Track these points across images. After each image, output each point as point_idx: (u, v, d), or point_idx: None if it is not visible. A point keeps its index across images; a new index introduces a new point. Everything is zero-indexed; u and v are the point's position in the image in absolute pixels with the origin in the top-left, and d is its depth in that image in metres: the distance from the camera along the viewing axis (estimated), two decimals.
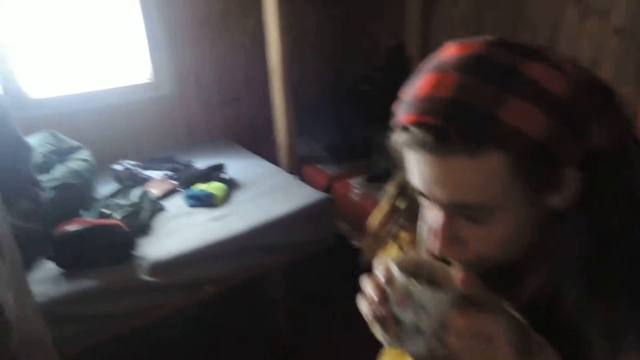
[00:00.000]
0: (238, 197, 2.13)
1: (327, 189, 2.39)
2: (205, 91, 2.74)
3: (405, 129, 0.53)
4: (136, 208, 1.91)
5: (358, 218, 2.23)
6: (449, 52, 0.54)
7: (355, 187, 2.20)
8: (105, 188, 2.20)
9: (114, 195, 2.02)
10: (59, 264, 1.64)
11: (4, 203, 1.57)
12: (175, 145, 2.68)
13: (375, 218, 0.79)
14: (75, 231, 1.65)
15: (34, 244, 1.61)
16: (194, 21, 2.58)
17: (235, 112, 2.90)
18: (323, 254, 2.17)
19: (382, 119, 2.84)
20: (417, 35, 2.91)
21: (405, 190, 0.72)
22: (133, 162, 2.32)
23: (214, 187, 2.10)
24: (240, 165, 2.42)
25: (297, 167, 2.54)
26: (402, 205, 0.74)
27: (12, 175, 1.64)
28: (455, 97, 0.49)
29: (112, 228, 1.68)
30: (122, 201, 1.95)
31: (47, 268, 1.64)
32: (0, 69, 2.15)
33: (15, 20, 2.17)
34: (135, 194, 1.99)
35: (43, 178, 1.94)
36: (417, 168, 0.55)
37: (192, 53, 2.62)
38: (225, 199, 2.09)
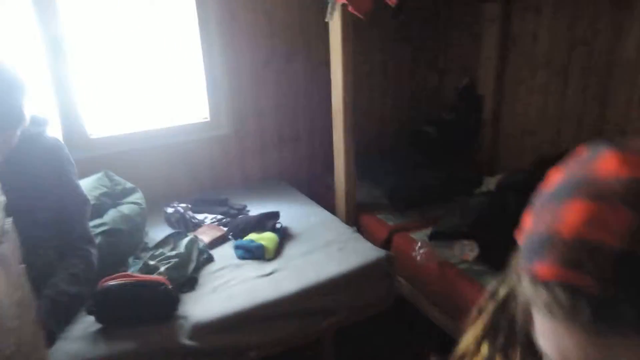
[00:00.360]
0: (290, 250, 1.97)
1: (387, 242, 2.19)
2: (264, 131, 2.65)
3: (541, 282, 0.35)
4: (183, 259, 1.80)
5: (421, 279, 2.00)
6: (607, 167, 0.35)
7: (419, 244, 1.98)
8: (156, 231, 2.14)
9: (162, 243, 1.93)
10: (98, 319, 1.55)
11: (56, 260, 1.51)
12: (230, 186, 2.59)
13: (468, 339, 0.59)
14: (117, 287, 1.56)
15: (77, 309, 1.53)
16: (257, 62, 2.51)
17: (292, 153, 2.78)
18: (380, 317, 1.96)
19: (450, 164, 2.63)
20: (492, 73, 2.68)
21: (509, 306, 0.52)
22: (184, 205, 2.24)
23: (265, 238, 1.96)
24: (294, 212, 2.28)
25: (355, 216, 2.36)
26: (503, 324, 0.54)
27: (67, 232, 1.56)
28: (627, 248, 0.31)
29: (155, 286, 1.57)
30: (169, 251, 1.85)
31: (87, 322, 1.55)
32: (62, 108, 2.16)
33: (77, 61, 2.18)
34: (183, 243, 1.89)
35: (95, 222, 1.90)
36: (554, 339, 0.37)
37: (252, 93, 2.55)
38: (276, 252, 1.94)
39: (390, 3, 1.81)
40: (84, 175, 2.08)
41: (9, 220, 0.85)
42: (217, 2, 2.32)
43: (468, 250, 1.92)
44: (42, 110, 1.69)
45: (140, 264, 1.78)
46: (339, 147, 2.31)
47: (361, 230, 2.27)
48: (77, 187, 1.63)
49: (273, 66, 2.56)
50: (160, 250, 1.85)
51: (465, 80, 2.85)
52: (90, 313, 1.56)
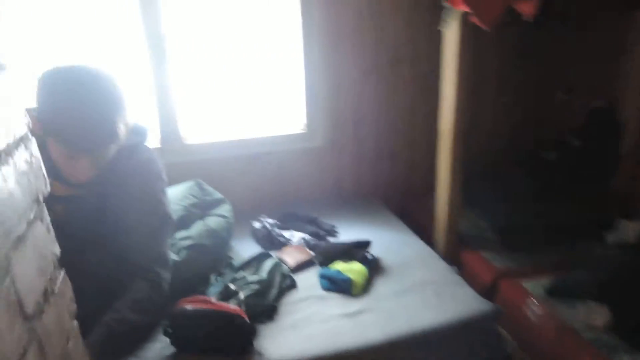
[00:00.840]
0: (380, 287, 1.76)
1: (492, 287, 1.90)
2: (361, 145, 2.46)
3: None
4: (265, 286, 1.68)
5: (531, 342, 1.69)
6: None
7: (533, 299, 1.67)
8: (242, 245, 2.06)
9: (245, 266, 1.82)
10: (172, 342, 1.47)
11: (125, 281, 1.44)
12: (321, 201, 2.44)
13: None
14: (193, 312, 1.47)
15: (136, 338, 1.44)
16: (358, 71, 2.33)
17: (390, 170, 2.56)
18: None
19: (573, 199, 2.21)
20: (637, 96, 2.24)
21: None
22: (272, 221, 2.13)
23: (354, 271, 1.77)
24: (386, 240, 2.06)
25: (456, 251, 2.09)
26: None
27: (140, 251, 1.47)
28: None
29: (231, 318, 1.45)
30: (251, 275, 1.74)
31: (164, 342, 1.48)
32: (162, 112, 2.15)
33: (178, 64, 2.15)
34: (266, 267, 1.77)
35: (180, 234, 1.84)
36: None
37: (351, 103, 2.37)
38: (364, 288, 1.75)
39: (525, 13, 1.52)
40: (176, 179, 2.05)
41: (61, 274, 0.73)
42: (322, 6, 2.17)
43: (597, 316, 1.58)
44: (143, 119, 1.66)
45: (221, 285, 1.69)
46: (442, 172, 2.06)
47: (462, 268, 2.00)
48: (161, 204, 1.55)
49: (376, 75, 2.36)
50: (242, 274, 1.74)
51: (600, 102, 2.42)
52: (165, 334, 1.49)
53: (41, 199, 0.68)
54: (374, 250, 1.94)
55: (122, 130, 1.30)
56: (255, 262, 1.83)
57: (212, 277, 1.78)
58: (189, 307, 1.49)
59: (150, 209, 1.50)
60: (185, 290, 1.66)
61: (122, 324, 1.34)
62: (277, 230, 2.10)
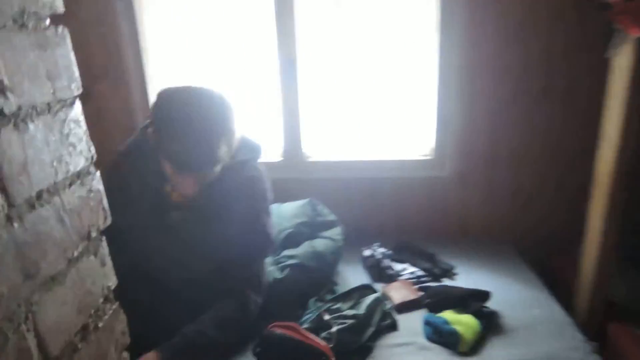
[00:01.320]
0: (493, 350, 1.51)
1: None
2: (494, 179, 2.18)
3: None
4: (361, 323, 1.56)
5: None
6: None
7: None
8: (349, 270, 1.98)
9: (343, 297, 1.72)
10: None
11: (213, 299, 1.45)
12: (442, 237, 2.22)
13: None
14: (281, 338, 1.43)
15: (212, 355, 1.41)
16: (498, 100, 2.06)
17: (526, 213, 2.23)
18: None
19: None
20: None
21: None
22: (383, 251, 2.00)
23: (463, 324, 1.56)
24: (511, 293, 1.78)
25: (600, 322, 1.71)
26: None
27: (236, 270, 1.46)
28: None
29: (318, 355, 1.37)
30: (348, 308, 1.64)
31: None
32: (287, 127, 2.17)
33: (306, 84, 2.14)
34: (366, 302, 1.65)
35: (286, 252, 1.83)
36: None
37: (487, 133, 2.11)
38: (473, 347, 1.52)
39: None
40: (293, 195, 2.06)
41: (113, 307, 0.72)
42: (462, 27, 1.97)
43: None
44: (263, 133, 1.68)
45: (316, 313, 1.62)
46: (595, 221, 1.71)
47: (605, 345, 1.62)
48: (262, 225, 1.53)
49: (518, 105, 2.06)
50: (339, 305, 1.65)
51: None
52: (255, 354, 1.48)
53: (94, 234, 0.67)
54: (493, 304, 1.68)
55: (224, 152, 1.33)
56: (356, 294, 1.72)
57: (312, 301, 1.72)
58: (278, 332, 1.46)
59: (250, 228, 1.50)
60: (282, 310, 1.64)
61: (201, 338, 1.34)
62: (388, 262, 1.96)
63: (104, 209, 0.70)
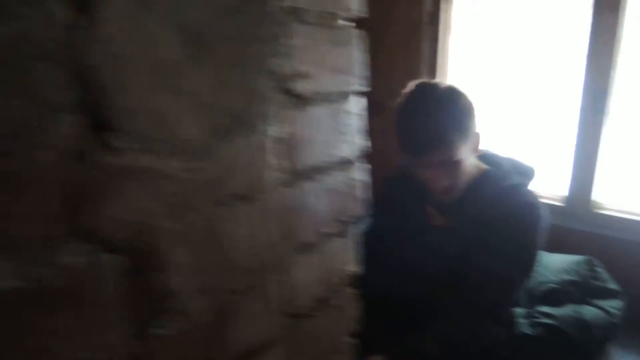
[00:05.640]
0: None
1: None
2: None
3: None
4: None
5: None
6: None
7: None
8: (622, 358, 1.59)
9: None
10: None
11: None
12: None
13: None
14: None
15: None
16: None
17: None
18: None
19: None
20: None
21: None
22: None
23: None
24: None
25: None
26: None
27: (483, 297, 1.32)
28: None
29: None
30: None
31: None
32: (576, 170, 1.90)
33: (612, 123, 1.82)
34: None
35: (543, 308, 1.60)
36: None
37: None
38: None
39: None
40: (568, 248, 1.79)
41: (348, 292, 0.76)
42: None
43: None
44: (528, 160, 1.51)
45: None
46: None
47: None
48: (527, 257, 1.35)
49: None
50: None
51: None
52: None
53: (347, 219, 0.73)
54: None
55: (457, 140, 1.23)
56: None
57: None
58: None
59: (513, 259, 1.34)
60: None
61: (420, 347, 1.28)
62: None
63: (361, 199, 0.75)
